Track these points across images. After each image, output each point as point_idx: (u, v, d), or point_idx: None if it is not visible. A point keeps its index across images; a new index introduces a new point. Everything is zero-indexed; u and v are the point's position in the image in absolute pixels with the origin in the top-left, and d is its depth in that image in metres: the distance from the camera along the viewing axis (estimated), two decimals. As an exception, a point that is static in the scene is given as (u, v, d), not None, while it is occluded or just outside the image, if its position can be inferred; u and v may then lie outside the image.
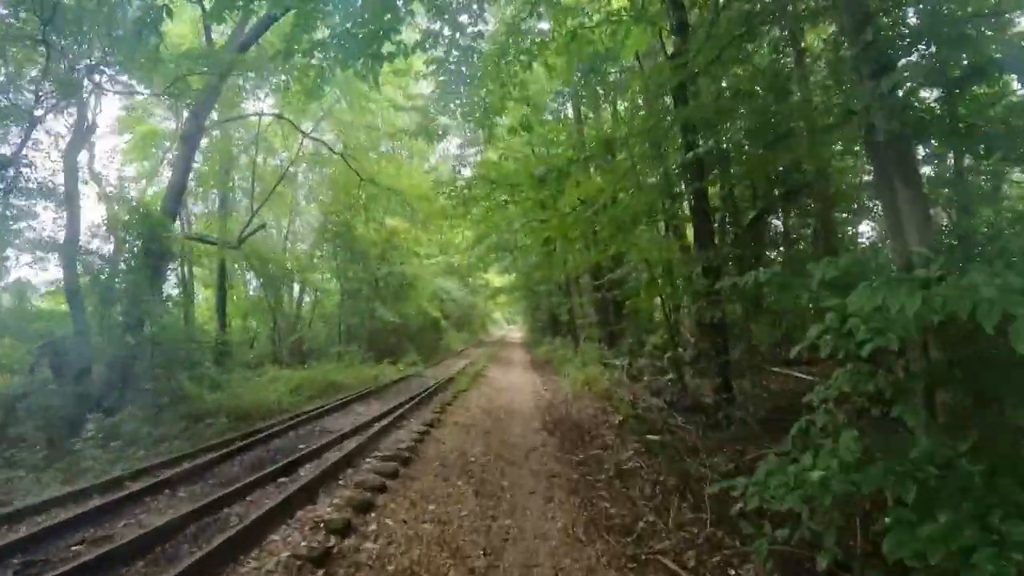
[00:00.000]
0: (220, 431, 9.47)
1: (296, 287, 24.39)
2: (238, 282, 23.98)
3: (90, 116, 13.15)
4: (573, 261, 16.79)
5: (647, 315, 21.64)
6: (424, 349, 23.88)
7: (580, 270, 18.46)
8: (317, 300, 24.44)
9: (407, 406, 11.48)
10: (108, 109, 47.64)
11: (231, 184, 20.93)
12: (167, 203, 13.36)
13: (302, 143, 20.34)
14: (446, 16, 7.94)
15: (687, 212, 10.80)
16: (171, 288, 17.00)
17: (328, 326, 21.92)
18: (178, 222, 15.50)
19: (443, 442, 8.61)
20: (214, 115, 16.57)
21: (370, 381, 15.86)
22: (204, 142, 17.97)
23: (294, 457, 7.33)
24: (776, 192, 11.42)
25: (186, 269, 20.11)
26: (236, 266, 21.95)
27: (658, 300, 12.39)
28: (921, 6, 5.51)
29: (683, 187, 10.29)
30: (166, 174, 18.87)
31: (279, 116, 18.75)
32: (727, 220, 12.45)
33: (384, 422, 9.77)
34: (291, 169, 20.60)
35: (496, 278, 47.23)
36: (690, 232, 11.18)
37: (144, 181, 21.05)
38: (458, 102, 10.37)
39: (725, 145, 9.68)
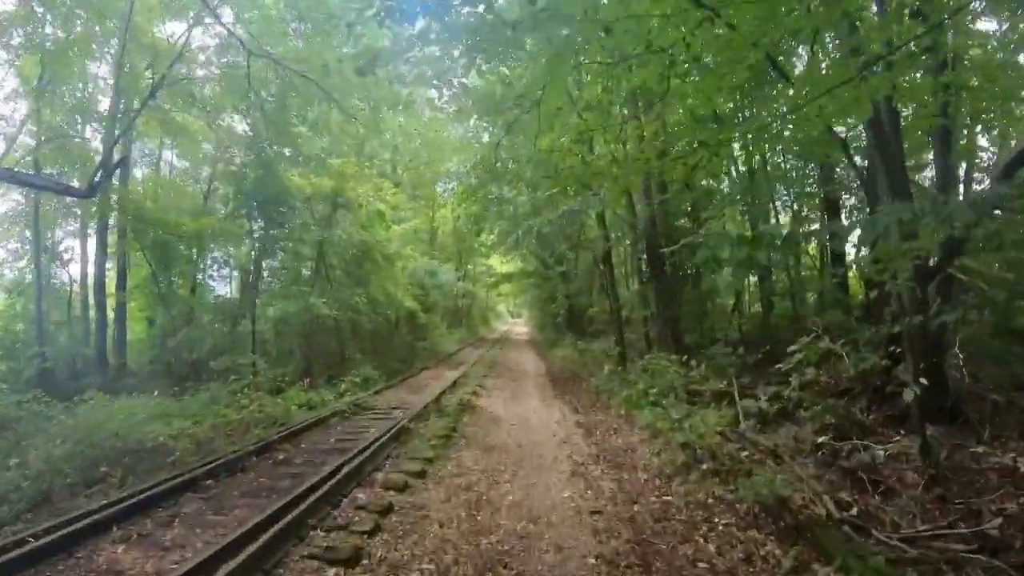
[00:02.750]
0: None
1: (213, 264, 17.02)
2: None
3: None
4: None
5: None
6: (392, 356, 16.47)
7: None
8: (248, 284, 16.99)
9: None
10: None
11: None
12: None
13: (191, 28, 12.85)
14: None
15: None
16: None
17: (226, 324, 14.47)
18: None
19: None
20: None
21: (197, 447, 8.19)
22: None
23: None
24: None
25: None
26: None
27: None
28: None
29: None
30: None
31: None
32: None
33: None
34: (180, 69, 13.03)
35: (499, 263, 39.81)
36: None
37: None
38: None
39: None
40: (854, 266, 14.01)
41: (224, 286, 18.57)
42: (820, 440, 6.51)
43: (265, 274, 17.79)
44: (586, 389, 12.57)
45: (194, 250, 16.63)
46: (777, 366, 10.18)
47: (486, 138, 17.93)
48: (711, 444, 6.64)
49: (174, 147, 18.58)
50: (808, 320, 11.01)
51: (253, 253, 14.19)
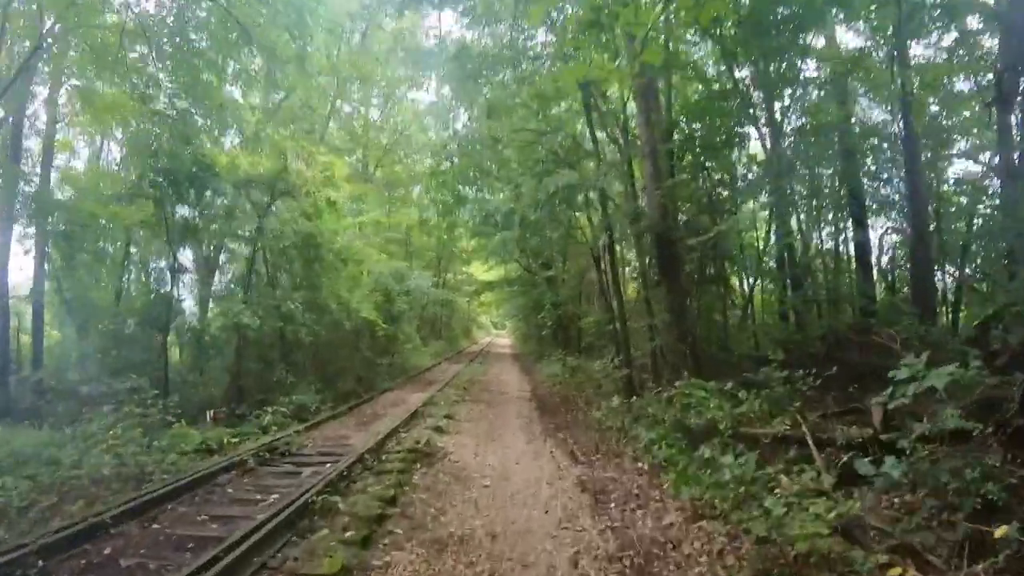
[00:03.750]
0: None
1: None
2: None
3: None
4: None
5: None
6: (347, 375, 13.50)
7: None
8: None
9: None
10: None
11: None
12: None
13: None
14: None
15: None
16: None
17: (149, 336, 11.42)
18: None
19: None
20: None
21: None
22: None
23: None
24: None
25: None
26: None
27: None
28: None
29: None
30: None
31: None
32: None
33: None
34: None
35: (481, 270, 36.99)
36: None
37: None
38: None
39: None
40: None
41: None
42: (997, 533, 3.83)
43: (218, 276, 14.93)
44: (584, 422, 9.78)
45: (119, 245, 13.73)
46: (850, 391, 7.57)
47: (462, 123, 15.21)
48: (814, 545, 3.90)
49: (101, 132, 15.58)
50: (881, 332, 8.44)
51: (169, 247, 11.20)
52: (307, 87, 13.02)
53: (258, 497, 5.84)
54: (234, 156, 11.97)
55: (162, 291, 12.27)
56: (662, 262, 10.93)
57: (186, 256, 13.23)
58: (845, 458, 5.90)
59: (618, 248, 18.03)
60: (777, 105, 13.56)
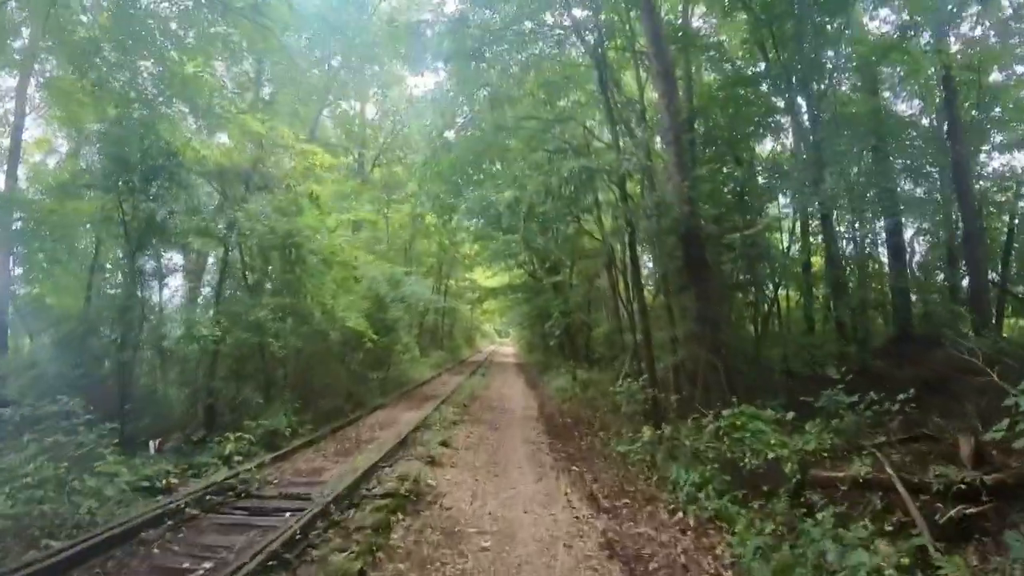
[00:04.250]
0: None
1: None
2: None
3: None
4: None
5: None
6: (334, 392, 12.09)
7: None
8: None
9: None
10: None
11: None
12: None
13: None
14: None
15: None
16: None
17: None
18: None
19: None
20: None
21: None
22: None
23: None
24: None
25: None
26: None
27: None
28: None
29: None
30: None
31: None
32: None
33: None
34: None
35: (484, 276, 35.59)
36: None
37: None
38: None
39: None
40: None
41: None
42: None
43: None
44: (602, 451, 8.34)
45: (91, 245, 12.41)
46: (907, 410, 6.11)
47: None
48: None
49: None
50: (961, 346, 7.00)
51: (123, 246, 9.85)
52: (272, 47, 11.55)
53: (186, 566, 4.44)
54: (206, 146, 10.66)
55: (124, 296, 10.92)
56: (689, 263, 9.52)
57: (174, 259, 12.03)
58: (952, 512, 4.56)
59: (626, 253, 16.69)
60: (804, 98, 12.19)
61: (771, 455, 5.15)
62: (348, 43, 16.65)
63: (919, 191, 14.90)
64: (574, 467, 7.47)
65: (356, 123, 24.65)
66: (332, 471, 7.29)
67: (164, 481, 6.39)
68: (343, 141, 25.26)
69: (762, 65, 12.17)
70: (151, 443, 7.62)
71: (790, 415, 5.85)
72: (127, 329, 9.66)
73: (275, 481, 6.82)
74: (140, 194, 9.59)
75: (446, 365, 26.64)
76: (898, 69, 13.70)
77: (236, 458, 7.77)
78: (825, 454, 5.29)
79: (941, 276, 14.36)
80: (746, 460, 5.33)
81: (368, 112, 26.91)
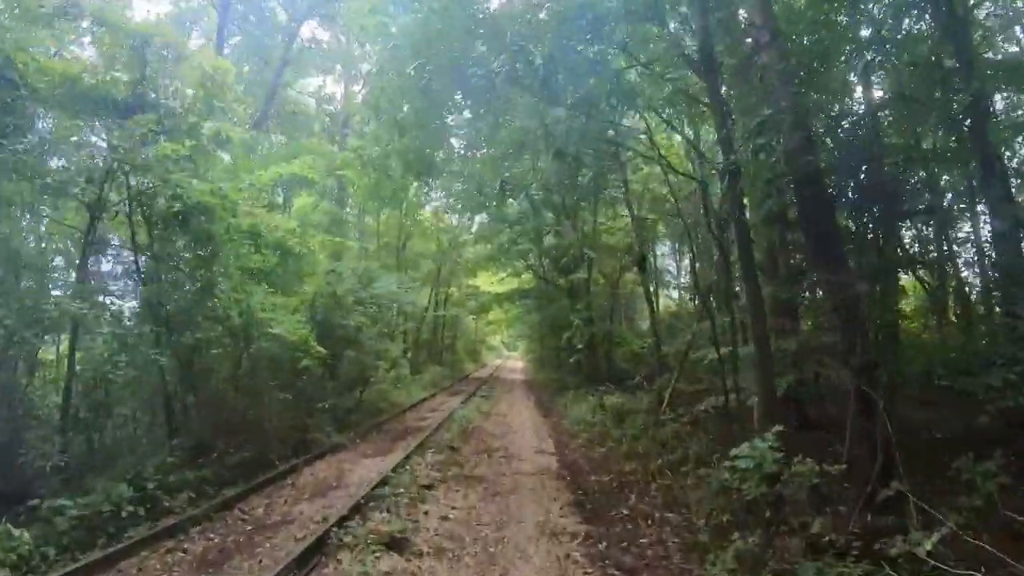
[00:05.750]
0: None
1: None
2: None
3: None
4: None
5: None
6: (259, 429, 8.31)
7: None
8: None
9: None
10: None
11: None
12: None
13: None
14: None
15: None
16: None
17: None
18: None
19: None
20: None
21: None
22: None
23: None
24: None
25: None
26: None
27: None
28: None
29: None
30: None
31: None
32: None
33: None
34: None
35: (488, 282, 31.80)
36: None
37: None
38: None
39: None
40: None
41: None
42: None
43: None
44: (683, 544, 4.49)
45: None
46: None
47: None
48: None
49: None
50: None
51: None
52: None
53: None
54: (64, 64, 7.12)
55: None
56: (809, 225, 5.71)
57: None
58: None
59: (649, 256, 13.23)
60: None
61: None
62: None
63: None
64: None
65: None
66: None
67: None
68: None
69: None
70: None
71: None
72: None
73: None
74: None
75: (443, 384, 22.76)
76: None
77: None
78: None
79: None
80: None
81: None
